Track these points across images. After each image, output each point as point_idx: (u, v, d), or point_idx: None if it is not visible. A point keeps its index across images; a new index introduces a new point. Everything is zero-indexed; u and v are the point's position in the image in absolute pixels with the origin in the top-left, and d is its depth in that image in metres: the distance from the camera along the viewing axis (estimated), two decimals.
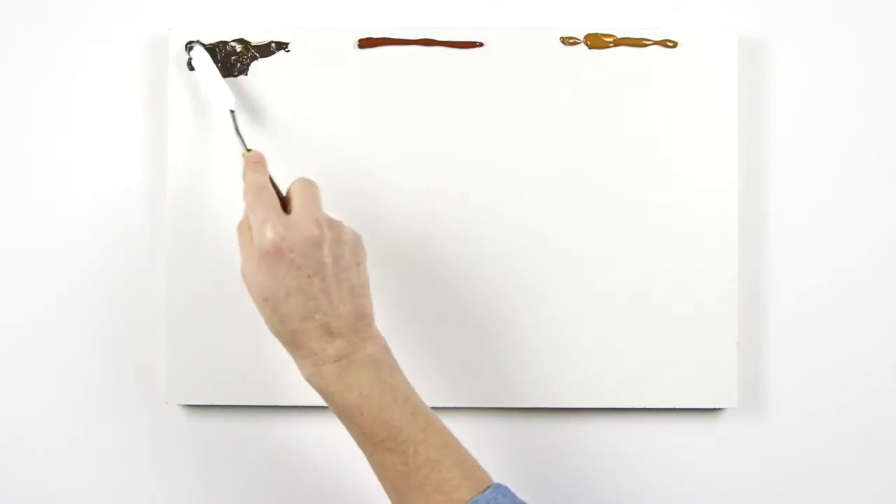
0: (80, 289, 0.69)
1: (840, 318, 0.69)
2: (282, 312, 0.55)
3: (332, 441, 0.65)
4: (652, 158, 0.67)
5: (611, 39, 0.67)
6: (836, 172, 0.69)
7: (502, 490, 0.56)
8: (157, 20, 0.69)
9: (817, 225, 0.69)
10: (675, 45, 0.67)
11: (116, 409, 0.69)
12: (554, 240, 0.67)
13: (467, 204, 0.67)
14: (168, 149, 0.67)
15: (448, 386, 0.67)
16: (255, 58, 0.67)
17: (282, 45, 0.67)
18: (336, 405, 0.56)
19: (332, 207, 0.62)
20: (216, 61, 0.67)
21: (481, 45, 0.67)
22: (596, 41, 0.67)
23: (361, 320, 0.57)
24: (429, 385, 0.66)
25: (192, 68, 0.67)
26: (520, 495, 0.57)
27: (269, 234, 0.54)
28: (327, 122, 0.67)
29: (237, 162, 0.62)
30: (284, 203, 0.58)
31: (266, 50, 0.67)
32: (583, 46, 0.67)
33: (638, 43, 0.67)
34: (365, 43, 0.67)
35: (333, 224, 0.57)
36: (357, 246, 0.58)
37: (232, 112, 0.64)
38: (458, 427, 0.59)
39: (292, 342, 0.56)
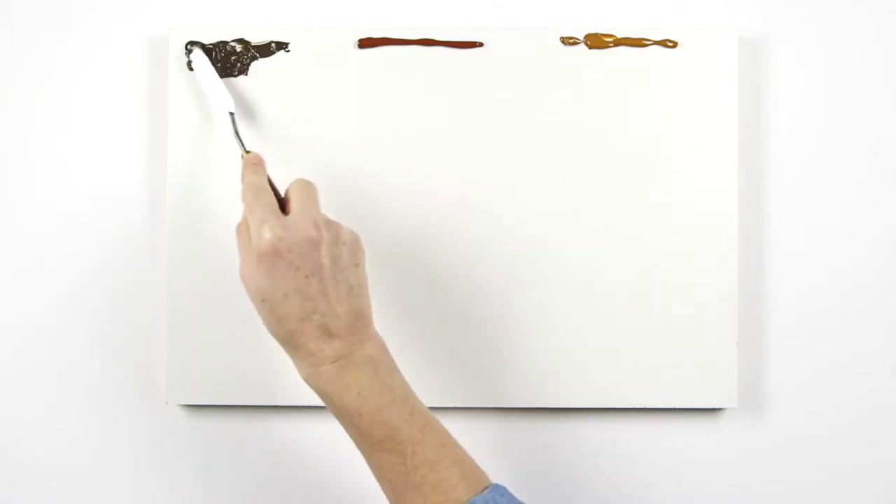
0: (80, 289, 0.69)
1: (840, 318, 0.69)
2: (280, 313, 0.55)
3: (332, 441, 0.65)
4: (652, 158, 0.67)
5: (611, 39, 0.67)
6: (836, 172, 0.69)
7: (500, 490, 0.56)
8: (157, 20, 0.69)
9: (817, 225, 0.69)
10: (675, 45, 0.67)
11: (116, 409, 0.69)
12: (554, 240, 0.67)
13: (467, 204, 0.67)
14: (168, 149, 0.67)
15: (447, 386, 0.67)
16: (255, 58, 0.67)
17: (282, 45, 0.67)
18: (334, 406, 0.56)
19: (331, 207, 0.62)
20: (216, 61, 0.67)
21: (481, 45, 0.67)
22: (596, 41, 0.67)
23: (360, 321, 0.57)
24: (428, 385, 0.66)
25: (192, 69, 0.67)
26: (518, 495, 0.57)
27: (267, 235, 0.54)
28: (327, 122, 0.67)
29: (237, 162, 0.62)
30: (283, 204, 0.58)
31: (266, 50, 0.67)
32: (583, 46, 0.67)
33: (638, 43, 0.67)
34: (365, 43, 0.67)
35: (331, 225, 0.57)
36: (355, 246, 0.58)
37: (231, 114, 0.64)
38: (457, 427, 0.59)
39: (290, 343, 0.56)
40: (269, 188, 0.58)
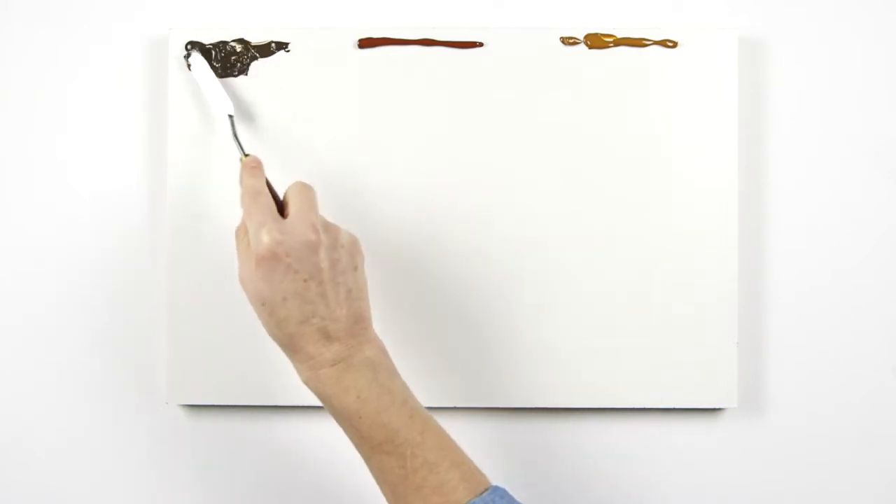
0: (80, 289, 0.69)
1: (840, 318, 0.69)
2: (279, 317, 0.55)
3: (332, 441, 0.65)
4: (652, 158, 0.67)
5: (611, 39, 0.67)
6: (836, 172, 0.69)
7: (500, 492, 0.56)
8: (157, 20, 0.69)
9: (817, 225, 0.69)
10: (675, 45, 0.67)
11: (116, 409, 0.69)
12: (554, 239, 0.67)
13: (467, 204, 0.67)
14: (168, 149, 0.67)
15: (447, 386, 0.67)
16: (255, 58, 0.67)
17: (282, 45, 0.67)
18: (334, 408, 0.56)
19: (330, 207, 0.62)
20: (216, 61, 0.67)
21: (481, 45, 0.67)
22: (596, 41, 0.67)
23: (359, 324, 0.57)
24: (427, 385, 0.66)
25: (191, 71, 0.67)
26: (518, 497, 0.57)
27: (265, 239, 0.54)
28: (327, 122, 0.67)
29: (236, 164, 0.62)
30: (282, 207, 0.58)
31: (266, 50, 0.67)
32: (583, 46, 0.67)
33: (638, 43, 0.67)
34: (365, 43, 0.67)
35: (330, 228, 0.57)
36: (354, 249, 0.58)
37: (230, 117, 0.64)
38: (456, 427, 0.59)
39: (290, 346, 0.56)
40: (267, 191, 0.58)
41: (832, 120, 0.69)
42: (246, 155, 0.61)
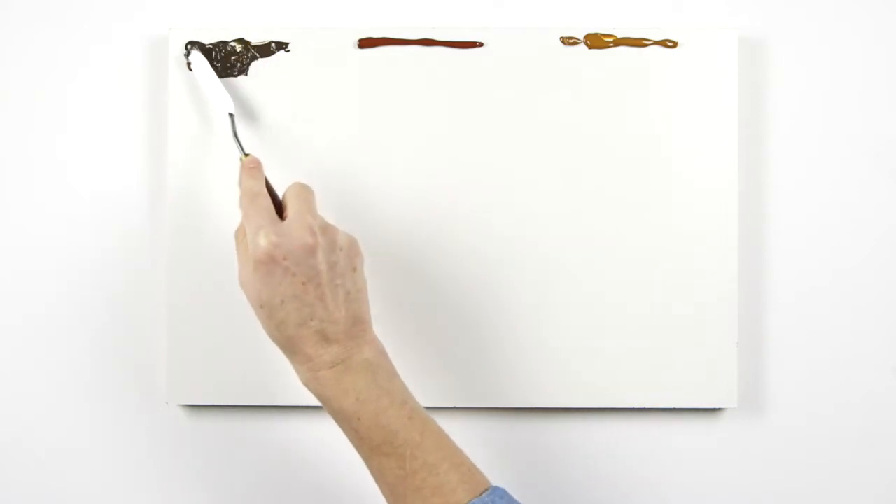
0: (80, 289, 0.69)
1: (840, 318, 0.69)
2: (278, 319, 0.55)
3: (332, 441, 0.65)
4: (652, 158, 0.67)
5: (611, 39, 0.67)
6: (836, 172, 0.69)
7: (500, 493, 0.56)
8: (157, 20, 0.69)
9: (817, 225, 0.69)
10: (675, 45, 0.67)
11: (116, 409, 0.69)
12: (553, 239, 0.67)
13: (467, 204, 0.67)
14: (168, 149, 0.67)
15: (446, 386, 0.67)
16: (255, 58, 0.67)
17: (282, 45, 0.67)
18: (333, 410, 0.56)
19: (330, 207, 0.62)
20: (216, 61, 0.67)
21: (481, 45, 0.67)
22: (596, 41, 0.67)
23: (358, 325, 0.57)
24: (427, 385, 0.66)
25: (191, 70, 0.67)
26: (518, 496, 0.57)
27: (263, 242, 0.54)
28: (327, 122, 0.67)
29: (236, 163, 0.62)
30: (281, 207, 0.58)
31: (266, 50, 0.67)
32: (583, 46, 0.67)
33: (638, 43, 0.67)
34: (365, 43, 0.67)
35: (328, 229, 0.57)
36: (353, 250, 0.58)
37: (231, 116, 0.64)
38: (456, 427, 0.59)
39: (289, 348, 0.56)
40: (265, 193, 0.58)
41: (832, 120, 0.69)
42: (246, 154, 0.61)
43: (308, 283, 0.55)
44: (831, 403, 0.69)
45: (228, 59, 0.67)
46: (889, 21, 0.69)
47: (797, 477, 0.69)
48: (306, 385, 0.57)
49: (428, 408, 0.59)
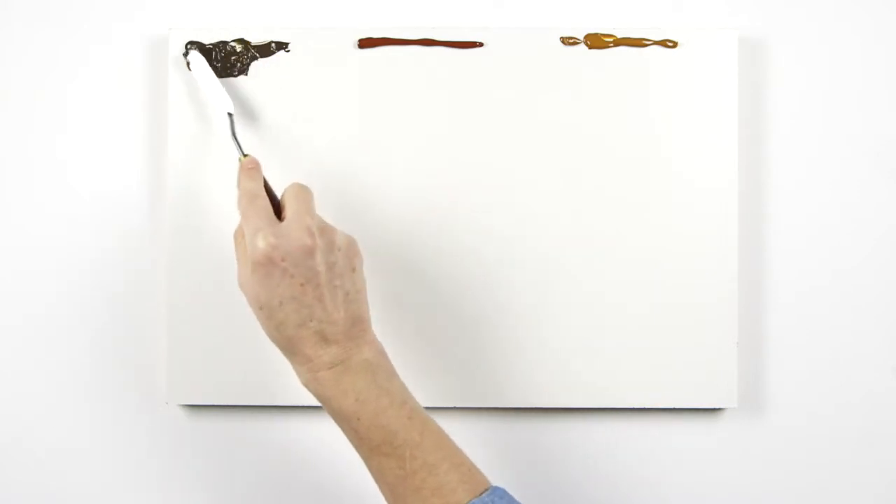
0: (80, 289, 0.69)
1: (840, 318, 0.69)
2: (277, 320, 0.55)
3: (332, 441, 0.65)
4: (652, 158, 0.67)
5: (611, 39, 0.67)
6: (836, 172, 0.69)
7: (500, 493, 0.56)
8: (157, 20, 0.69)
9: (817, 225, 0.69)
10: (675, 45, 0.67)
11: (116, 409, 0.69)
12: (553, 239, 0.67)
13: (467, 204, 0.67)
14: (168, 149, 0.67)
15: (446, 386, 0.67)
16: (255, 58, 0.67)
17: (282, 45, 0.67)
18: (333, 410, 0.56)
19: (330, 207, 0.62)
20: (216, 61, 0.67)
21: (481, 45, 0.67)
22: (596, 41, 0.67)
23: (357, 326, 0.57)
24: (427, 385, 0.66)
25: (190, 70, 0.67)
26: (518, 496, 0.57)
27: (261, 244, 0.54)
28: (327, 122, 0.67)
29: (236, 164, 0.62)
30: (280, 208, 0.58)
31: (266, 50, 0.67)
32: (583, 46, 0.67)
33: (638, 43, 0.67)
34: (365, 43, 0.67)
35: (326, 231, 0.57)
36: (351, 251, 0.58)
37: (230, 115, 0.64)
38: (456, 427, 0.59)
39: (288, 349, 0.56)
40: (264, 194, 0.58)
41: (832, 120, 0.69)
42: (245, 155, 0.61)
43: (307, 284, 0.55)
44: (831, 403, 0.69)
45: (228, 59, 0.67)
46: (889, 21, 0.69)
47: (797, 477, 0.69)
48: (306, 386, 0.57)
49: (428, 408, 0.59)
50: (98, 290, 0.69)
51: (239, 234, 0.58)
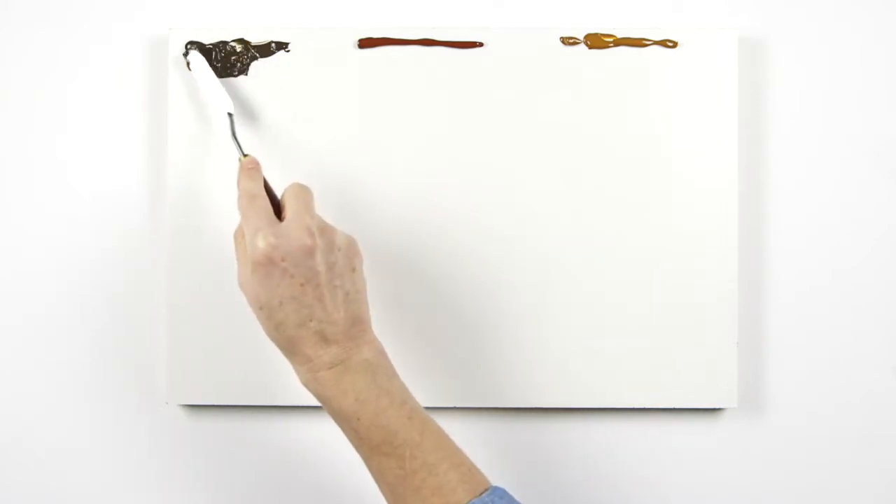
0: (80, 289, 0.69)
1: (840, 318, 0.69)
2: (276, 320, 0.55)
3: (332, 441, 0.65)
4: (652, 158, 0.67)
5: (611, 39, 0.67)
6: (836, 172, 0.69)
7: (500, 493, 0.56)
8: (157, 20, 0.69)
9: (817, 225, 0.69)
10: (675, 45, 0.67)
11: (116, 409, 0.69)
12: (553, 239, 0.67)
13: (467, 204, 0.67)
14: (168, 149, 0.67)
15: (446, 386, 0.67)
16: (255, 58, 0.67)
17: (282, 45, 0.67)
18: (333, 410, 0.57)
19: (330, 207, 0.62)
20: (216, 61, 0.67)
21: (481, 45, 0.67)
22: (596, 41, 0.67)
23: (357, 326, 0.57)
24: (427, 385, 0.66)
25: (190, 70, 0.67)
26: (518, 496, 0.57)
27: (261, 244, 0.54)
28: (327, 122, 0.67)
29: (236, 164, 0.62)
30: (280, 208, 0.58)
31: (266, 50, 0.67)
32: (583, 46, 0.67)
33: (638, 43, 0.67)
34: (365, 43, 0.67)
35: (326, 231, 0.57)
36: (351, 251, 0.58)
37: (230, 115, 0.64)
38: (455, 427, 0.59)
39: (288, 349, 0.56)
40: (263, 194, 0.58)
41: (832, 120, 0.69)
42: (244, 155, 0.61)
43: (306, 284, 0.55)
44: (831, 403, 0.69)
45: (228, 59, 0.67)
46: (889, 21, 0.69)
47: (797, 477, 0.69)
48: (306, 385, 0.57)
49: (428, 408, 0.59)
50: (98, 290, 0.69)
51: (239, 234, 0.58)
